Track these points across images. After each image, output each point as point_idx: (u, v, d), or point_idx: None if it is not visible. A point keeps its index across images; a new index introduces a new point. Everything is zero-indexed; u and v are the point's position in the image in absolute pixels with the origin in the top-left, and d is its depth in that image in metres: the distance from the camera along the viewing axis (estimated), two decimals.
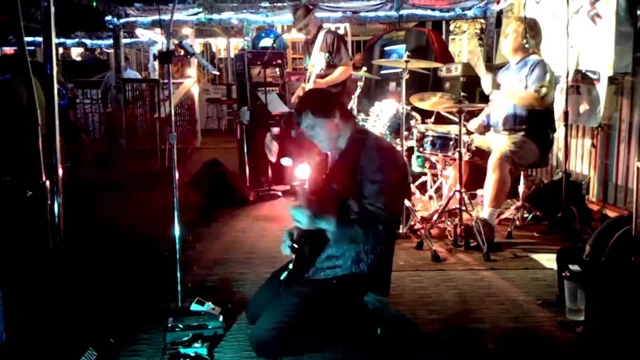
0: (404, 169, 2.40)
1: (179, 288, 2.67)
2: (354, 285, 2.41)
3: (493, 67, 4.61)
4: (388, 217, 2.30)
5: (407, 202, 3.93)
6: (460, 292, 3.01)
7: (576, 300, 2.52)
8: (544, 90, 3.85)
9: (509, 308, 2.78)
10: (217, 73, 13.05)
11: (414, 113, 4.23)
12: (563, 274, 2.58)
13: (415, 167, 4.35)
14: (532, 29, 4.01)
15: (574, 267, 2.53)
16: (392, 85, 6.02)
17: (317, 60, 5.00)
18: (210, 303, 2.65)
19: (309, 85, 5.00)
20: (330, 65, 4.97)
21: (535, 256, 3.57)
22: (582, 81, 4.29)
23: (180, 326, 2.42)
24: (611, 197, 4.25)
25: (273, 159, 5.50)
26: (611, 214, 4.02)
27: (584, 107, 4.34)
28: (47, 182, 2.07)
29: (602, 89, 4.10)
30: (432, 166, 4.37)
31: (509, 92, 3.97)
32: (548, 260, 3.42)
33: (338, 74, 4.94)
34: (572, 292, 2.54)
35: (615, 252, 2.53)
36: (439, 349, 2.40)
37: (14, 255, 2.74)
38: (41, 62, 2.28)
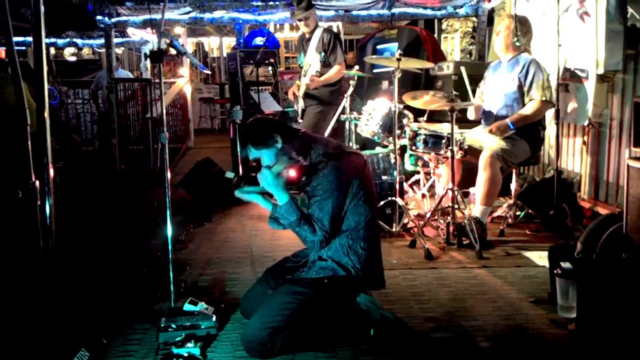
0: (364, 188, 2.39)
1: (171, 288, 2.67)
2: (345, 285, 2.42)
3: (485, 66, 4.62)
4: (324, 235, 2.33)
5: (400, 201, 3.94)
6: (453, 290, 3.02)
7: (568, 297, 2.54)
8: (547, 93, 3.88)
9: (502, 305, 2.79)
10: (209, 72, 13.02)
11: (406, 112, 4.23)
12: (555, 272, 2.60)
13: (408, 165, 4.36)
14: (523, 26, 4.03)
15: (566, 265, 2.55)
16: (385, 83, 6.02)
17: (312, 60, 5.00)
18: (203, 303, 2.64)
19: (304, 81, 5.00)
20: (325, 65, 4.98)
21: (527, 254, 3.58)
22: (570, 79, 4.31)
23: (173, 326, 2.41)
24: (602, 194, 4.27)
25: None
26: (602, 211, 4.04)
27: (572, 105, 4.36)
28: (37, 182, 2.06)
29: (590, 86, 4.12)
30: (425, 165, 4.38)
31: (519, 117, 3.90)
32: (540, 257, 3.44)
33: (334, 72, 4.96)
34: (564, 290, 2.55)
35: (607, 250, 2.55)
36: (432, 347, 2.41)
37: (6, 256, 2.72)
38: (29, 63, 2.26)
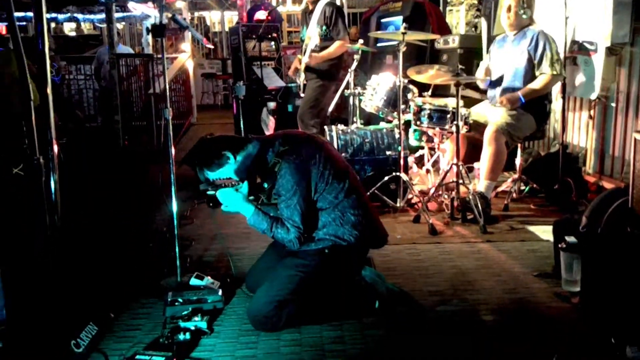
0: (330, 167, 2.39)
1: (177, 263, 2.69)
2: (347, 253, 2.42)
3: (491, 39, 4.56)
4: (299, 231, 2.32)
5: (404, 176, 3.94)
6: (457, 264, 3.03)
7: (572, 271, 2.55)
8: (557, 67, 3.84)
9: (506, 280, 2.81)
10: (212, 47, 12.90)
11: (410, 86, 4.20)
12: (559, 246, 2.60)
13: (413, 140, 4.34)
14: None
15: (570, 239, 2.55)
16: (389, 58, 5.97)
17: (313, 34, 4.93)
18: (209, 277, 2.67)
19: (304, 59, 4.94)
20: (327, 39, 4.90)
21: (532, 228, 3.59)
22: (578, 52, 4.26)
23: (180, 300, 2.44)
24: (608, 169, 4.26)
25: (269, 133, 5.48)
26: (608, 185, 4.04)
27: (580, 79, 4.31)
28: (42, 159, 2.06)
29: (599, 59, 4.06)
30: (430, 140, 4.36)
31: (530, 91, 3.86)
32: (544, 232, 3.44)
33: (334, 48, 4.87)
34: (568, 264, 2.56)
35: (612, 224, 2.54)
36: (437, 321, 2.43)
37: (12, 232, 2.74)
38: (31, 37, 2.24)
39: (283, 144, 2.40)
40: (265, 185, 2.44)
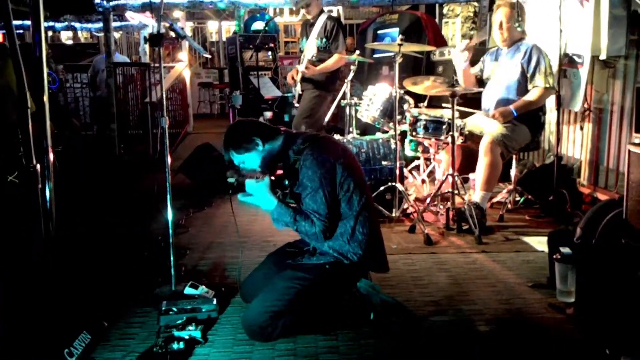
0: (347, 164, 2.39)
1: (172, 272, 2.68)
2: (347, 271, 2.42)
3: (485, 51, 4.59)
4: (324, 224, 2.31)
5: (400, 186, 3.94)
6: (453, 274, 3.03)
7: (567, 282, 2.56)
8: (550, 80, 3.87)
9: (501, 290, 2.81)
10: (209, 56, 12.95)
11: (406, 97, 4.22)
12: (554, 257, 2.61)
13: (408, 151, 4.36)
14: (522, 11, 4.01)
15: (565, 250, 2.56)
16: (385, 69, 6.00)
17: (311, 46, 4.96)
18: (203, 286, 2.66)
19: (301, 68, 4.96)
20: (326, 51, 4.93)
21: (527, 239, 3.60)
22: (568, 65, 4.30)
23: (174, 309, 2.43)
24: (602, 180, 4.28)
25: None
26: (602, 197, 4.05)
27: (568, 91, 4.35)
28: (38, 166, 2.06)
29: (584, 72, 4.11)
30: (425, 150, 4.37)
31: (522, 104, 3.88)
32: (539, 243, 3.45)
33: (332, 62, 4.90)
34: (563, 274, 2.57)
35: (606, 235, 2.56)
36: (431, 331, 2.43)
37: (6, 241, 2.73)
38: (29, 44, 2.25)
39: (311, 140, 2.40)
40: (286, 182, 2.43)
